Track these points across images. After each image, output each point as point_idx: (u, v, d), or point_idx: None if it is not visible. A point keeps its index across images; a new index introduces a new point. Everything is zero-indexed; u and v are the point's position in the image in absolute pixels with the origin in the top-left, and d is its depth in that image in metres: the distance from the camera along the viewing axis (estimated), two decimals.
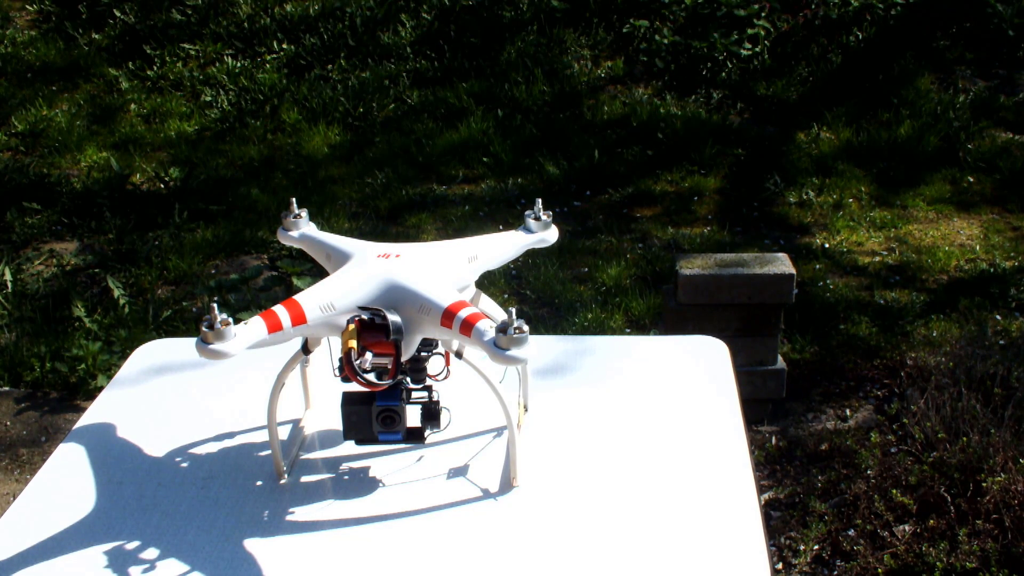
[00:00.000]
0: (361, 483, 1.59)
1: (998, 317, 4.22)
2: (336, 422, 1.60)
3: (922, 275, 4.61)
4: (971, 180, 5.44)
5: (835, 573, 3.02)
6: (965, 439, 3.18)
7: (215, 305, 1.39)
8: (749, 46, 6.40)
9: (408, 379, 1.54)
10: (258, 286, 4.33)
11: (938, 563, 2.89)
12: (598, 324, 4.23)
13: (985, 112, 5.96)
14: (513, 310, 1.37)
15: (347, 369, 1.40)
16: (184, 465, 1.65)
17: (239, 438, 1.71)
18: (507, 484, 1.57)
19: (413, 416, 1.56)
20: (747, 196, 5.36)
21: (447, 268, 1.58)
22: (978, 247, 4.83)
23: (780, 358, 3.70)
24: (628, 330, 4.27)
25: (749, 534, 1.47)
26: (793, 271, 3.53)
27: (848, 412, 3.73)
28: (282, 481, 1.60)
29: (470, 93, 6.30)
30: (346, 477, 1.61)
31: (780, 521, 3.22)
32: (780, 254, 3.66)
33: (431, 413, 1.55)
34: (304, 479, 1.61)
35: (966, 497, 3.08)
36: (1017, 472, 3.06)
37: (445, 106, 6.23)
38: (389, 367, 1.44)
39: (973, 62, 6.42)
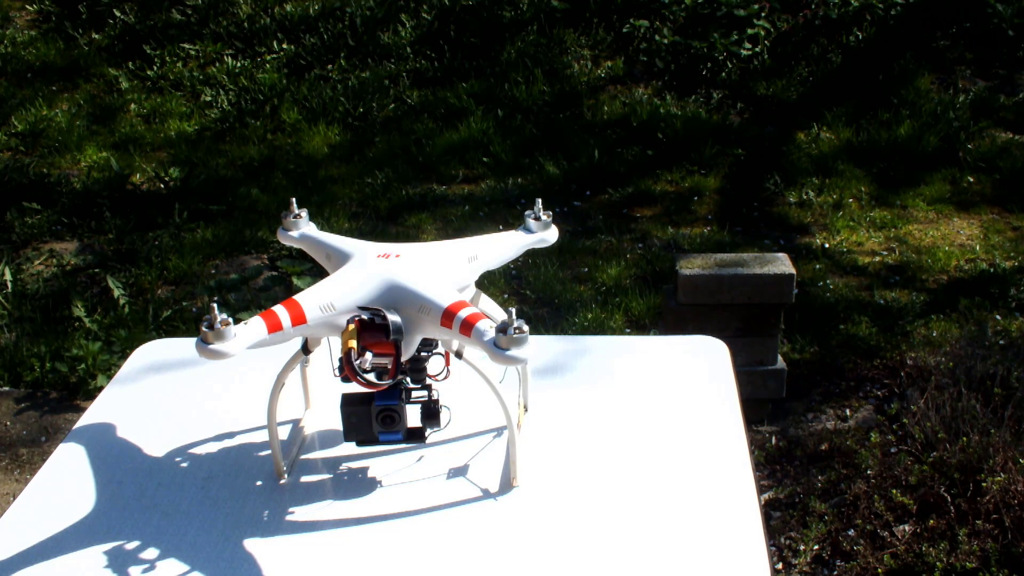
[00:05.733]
0: (361, 483, 1.59)
1: (998, 317, 4.22)
2: (336, 422, 1.60)
3: (922, 275, 4.61)
4: (971, 180, 5.44)
5: (835, 573, 3.02)
6: (965, 439, 3.18)
7: (215, 305, 1.39)
8: (749, 46, 6.40)
9: (408, 379, 1.54)
10: (258, 286, 4.34)
11: (938, 563, 2.89)
12: (598, 324, 4.23)
13: (985, 112, 5.96)
14: (513, 310, 1.37)
15: (347, 369, 1.40)
16: (184, 465, 1.65)
17: (239, 438, 1.71)
18: (507, 484, 1.57)
19: (413, 416, 1.56)
20: (747, 196, 5.36)
21: (447, 268, 1.58)
22: (978, 247, 4.83)
23: (780, 358, 3.70)
24: (628, 330, 4.27)
25: (749, 534, 1.47)
26: (793, 271, 3.53)
27: (848, 412, 3.73)
28: (282, 481, 1.60)
29: (470, 93, 6.30)
30: (346, 477, 1.61)
31: (780, 521, 3.22)
32: (780, 254, 3.65)
33: (431, 412, 1.55)
34: (304, 479, 1.61)
35: (966, 497, 3.09)
36: (1017, 472, 3.06)
37: (445, 106, 6.23)
38: (389, 367, 1.43)
39: (973, 62, 6.42)
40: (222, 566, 1.43)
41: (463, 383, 1.64)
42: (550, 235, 1.76)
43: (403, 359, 1.47)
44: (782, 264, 3.56)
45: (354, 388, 1.45)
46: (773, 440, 3.60)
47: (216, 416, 1.77)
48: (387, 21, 6.97)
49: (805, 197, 5.29)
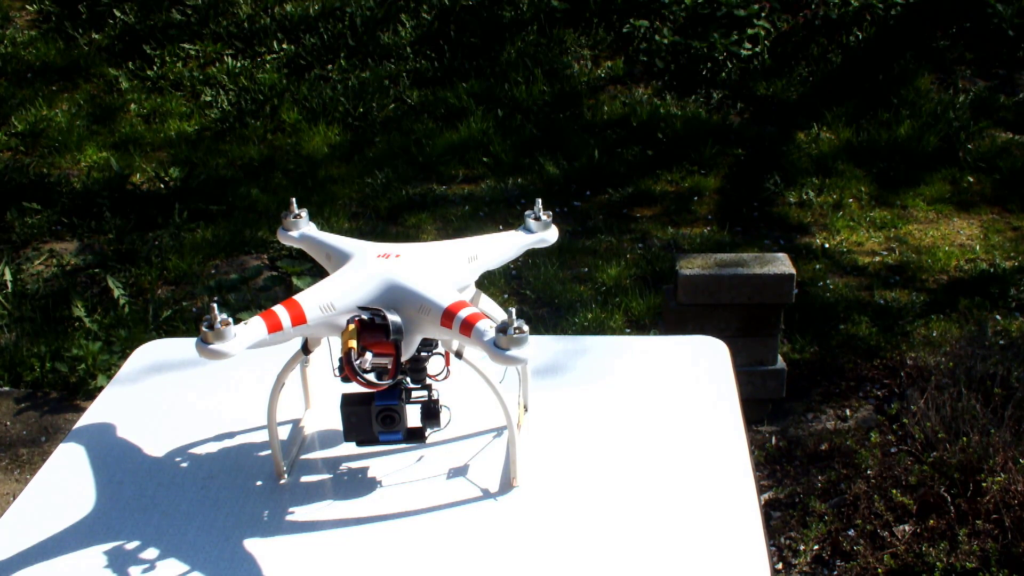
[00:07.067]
0: (361, 483, 1.59)
1: (998, 317, 4.22)
2: (336, 422, 1.60)
3: (922, 275, 4.61)
4: (971, 180, 5.44)
5: (835, 573, 3.02)
6: (965, 439, 3.18)
7: (215, 305, 1.39)
8: (749, 46, 6.40)
9: (408, 379, 1.54)
10: (258, 286, 4.34)
11: (938, 563, 2.89)
12: (598, 324, 4.23)
13: (985, 112, 5.96)
14: (513, 310, 1.37)
15: (347, 369, 1.40)
16: (184, 465, 1.65)
17: (239, 438, 1.71)
18: (507, 484, 1.57)
19: (413, 416, 1.56)
20: (747, 196, 5.36)
21: (447, 268, 1.58)
22: (978, 247, 4.84)
23: (780, 358, 3.70)
24: (628, 330, 4.27)
25: (749, 534, 1.47)
26: (793, 271, 3.53)
27: (848, 412, 3.73)
28: (282, 481, 1.60)
29: (470, 93, 6.30)
30: (346, 477, 1.61)
31: (780, 521, 3.22)
32: (780, 254, 3.65)
33: (431, 412, 1.55)
34: (304, 479, 1.61)
35: (966, 497, 3.09)
36: (1017, 472, 3.06)
37: (445, 106, 6.23)
38: (389, 367, 1.44)
39: (973, 62, 6.42)
40: (222, 566, 1.43)
41: (463, 383, 1.64)
42: (550, 235, 1.76)
43: (403, 359, 1.47)
44: (782, 264, 3.56)
45: (354, 388, 1.45)
46: (773, 440, 3.60)
47: (216, 416, 1.77)
48: (387, 21, 6.97)
49: (805, 197, 5.29)
